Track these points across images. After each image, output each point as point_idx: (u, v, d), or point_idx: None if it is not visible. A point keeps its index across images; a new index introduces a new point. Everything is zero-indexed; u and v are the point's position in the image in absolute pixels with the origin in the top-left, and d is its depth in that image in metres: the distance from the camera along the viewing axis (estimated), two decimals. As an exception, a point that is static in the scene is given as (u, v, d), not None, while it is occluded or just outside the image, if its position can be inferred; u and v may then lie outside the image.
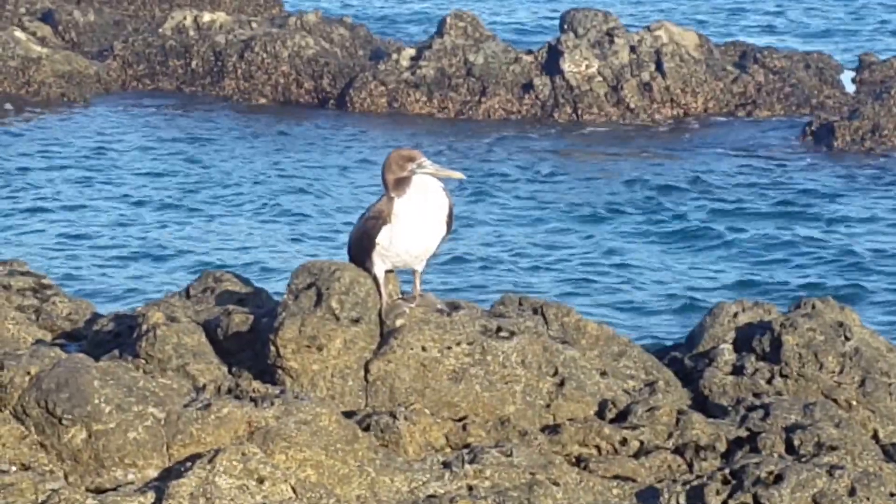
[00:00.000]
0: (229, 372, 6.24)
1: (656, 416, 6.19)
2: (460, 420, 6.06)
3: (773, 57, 21.51)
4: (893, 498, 5.77)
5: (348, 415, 5.91)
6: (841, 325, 6.79)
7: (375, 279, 6.20)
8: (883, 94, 19.86)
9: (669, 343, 7.73)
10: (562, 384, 6.27)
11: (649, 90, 20.22)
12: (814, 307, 6.90)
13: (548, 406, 6.23)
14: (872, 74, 21.74)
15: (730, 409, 6.45)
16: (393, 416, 5.89)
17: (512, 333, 6.26)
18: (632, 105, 20.10)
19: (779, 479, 5.73)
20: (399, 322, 6.17)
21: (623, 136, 19.67)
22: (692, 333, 7.16)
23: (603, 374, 6.49)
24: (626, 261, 14.35)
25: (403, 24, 28.41)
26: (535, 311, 6.72)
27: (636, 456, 6.06)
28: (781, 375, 6.63)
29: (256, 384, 5.95)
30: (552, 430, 6.14)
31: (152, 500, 5.29)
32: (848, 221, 15.75)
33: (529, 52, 21.03)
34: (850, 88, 21.49)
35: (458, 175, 6.15)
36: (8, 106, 20.18)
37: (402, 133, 19.51)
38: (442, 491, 5.62)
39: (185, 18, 21.74)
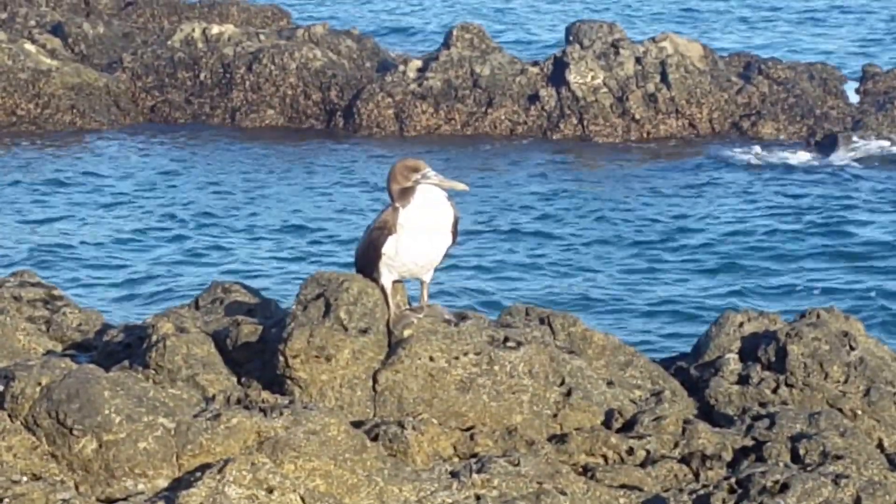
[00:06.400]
0: (238, 382, 6.27)
1: (662, 426, 6.22)
2: (468, 430, 6.09)
3: (777, 68, 21.55)
4: (898, 507, 5.80)
5: (357, 425, 5.94)
6: (846, 334, 6.82)
7: (383, 290, 6.23)
8: (886, 104, 19.91)
9: (675, 353, 7.77)
10: (569, 394, 6.31)
11: (654, 101, 20.27)
12: (818, 317, 6.94)
13: (555, 416, 6.26)
14: (876, 85, 21.78)
15: (735, 418, 6.47)
16: (401, 425, 5.92)
17: (519, 343, 6.29)
18: (637, 116, 20.14)
19: (784, 487, 5.75)
20: (407, 332, 6.20)
21: (628, 147, 19.71)
22: (698, 343, 7.19)
23: (609, 383, 6.52)
24: (631, 271, 14.38)
25: (410, 35, 28.47)
26: (541, 322, 6.76)
27: (643, 465, 6.09)
28: (787, 385, 6.66)
29: (265, 394, 5.98)
30: (559, 439, 6.17)
31: (162, 510, 5.32)
32: (851, 231, 15.78)
33: (535, 63, 21.08)
34: (854, 99, 21.54)
35: (462, 186, 6.18)
36: (20, 127, 20.26)
37: (407, 144, 19.56)
38: (450, 500, 5.65)
39: (193, 31, 21.82)
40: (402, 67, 20.86)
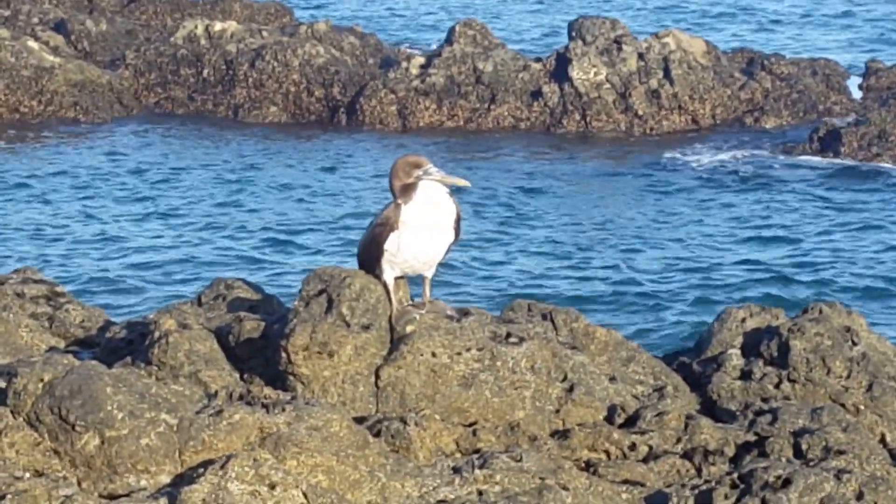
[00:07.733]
0: (241, 378, 6.28)
1: (665, 421, 6.22)
2: (470, 425, 6.10)
3: (780, 63, 21.55)
4: (901, 502, 5.80)
5: (359, 420, 5.94)
6: (848, 329, 6.82)
7: (385, 286, 6.24)
8: (889, 100, 19.92)
9: (678, 348, 7.77)
10: (571, 389, 6.31)
11: (657, 97, 20.26)
12: (821, 312, 6.93)
13: (557, 411, 6.27)
14: (879, 81, 21.78)
15: (738, 413, 6.48)
16: (403, 421, 5.92)
17: (521, 339, 6.29)
18: (640, 112, 20.14)
19: (787, 483, 5.76)
20: (409, 328, 6.21)
21: (631, 143, 19.71)
22: (700, 338, 7.20)
23: (612, 379, 6.52)
24: (634, 267, 14.38)
25: (413, 32, 28.47)
26: (544, 317, 6.76)
27: (645, 461, 6.09)
28: (789, 380, 6.66)
29: (268, 390, 5.99)
30: (561, 435, 6.18)
31: (165, 506, 5.33)
32: (855, 227, 15.78)
33: (538, 59, 21.08)
34: (857, 94, 21.55)
35: (464, 182, 6.18)
36: (23, 121, 20.28)
37: (410, 141, 19.57)
38: (452, 496, 5.66)
39: (196, 27, 21.83)
40: (404, 64, 20.87)
